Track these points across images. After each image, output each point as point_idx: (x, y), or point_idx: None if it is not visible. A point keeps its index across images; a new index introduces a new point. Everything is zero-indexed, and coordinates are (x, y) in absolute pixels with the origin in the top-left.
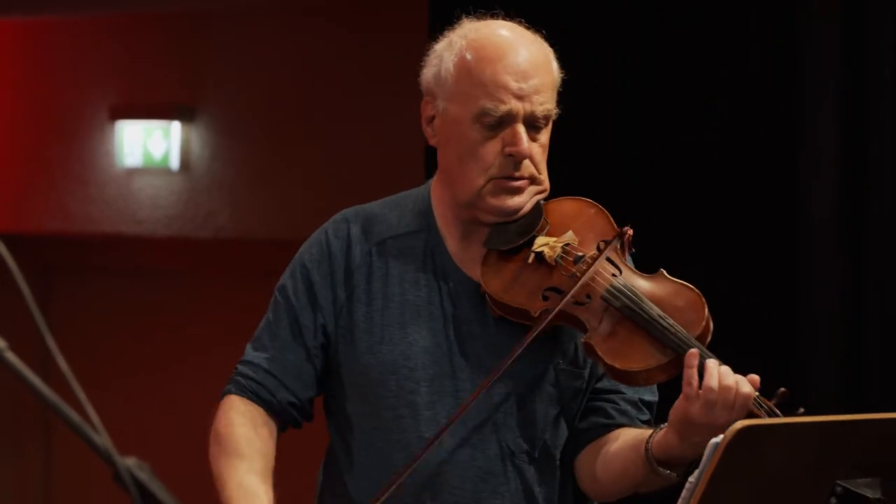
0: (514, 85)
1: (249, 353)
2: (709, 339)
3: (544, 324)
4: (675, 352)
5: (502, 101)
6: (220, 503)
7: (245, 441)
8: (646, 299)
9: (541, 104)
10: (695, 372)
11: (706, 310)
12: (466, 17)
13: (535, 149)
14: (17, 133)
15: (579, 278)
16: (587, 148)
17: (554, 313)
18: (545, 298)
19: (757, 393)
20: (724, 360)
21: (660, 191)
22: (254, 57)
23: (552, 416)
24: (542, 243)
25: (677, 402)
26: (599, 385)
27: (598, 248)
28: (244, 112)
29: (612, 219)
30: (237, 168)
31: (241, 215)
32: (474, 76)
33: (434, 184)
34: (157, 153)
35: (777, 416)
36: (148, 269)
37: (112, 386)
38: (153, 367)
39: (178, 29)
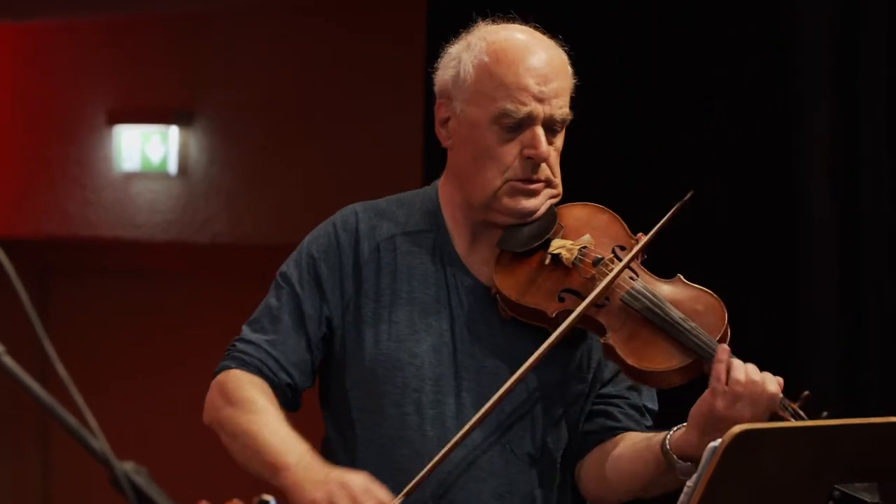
0: (535, 88)
1: (248, 333)
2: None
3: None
4: (697, 354)
5: (523, 104)
6: (246, 457)
7: (264, 399)
8: (666, 302)
9: (559, 108)
10: (724, 367)
11: (726, 315)
12: (482, 20)
13: (552, 152)
14: (15, 137)
15: (598, 280)
16: (585, 147)
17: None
18: (561, 300)
19: (781, 395)
20: None
21: (657, 191)
22: (252, 61)
23: (555, 420)
24: (559, 246)
25: (701, 399)
26: (605, 390)
27: (614, 253)
28: (242, 117)
29: (625, 224)
30: (235, 173)
31: (238, 220)
32: (495, 78)
33: (442, 184)
34: (154, 158)
35: (802, 418)
36: (146, 273)
37: (110, 388)
38: (151, 369)
39: (175, 33)
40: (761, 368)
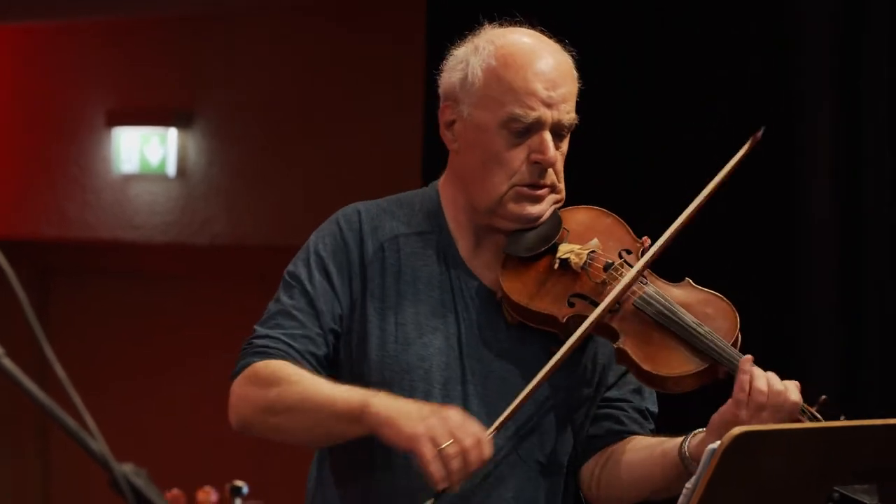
0: (543, 93)
1: (264, 330)
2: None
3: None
4: (712, 359)
5: (532, 108)
6: (311, 423)
7: (304, 371)
8: (679, 307)
9: (567, 112)
10: (748, 378)
11: (738, 319)
12: (488, 23)
13: (558, 157)
14: (14, 138)
15: (608, 285)
16: (587, 147)
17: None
18: (571, 305)
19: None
20: None
21: (659, 191)
22: (250, 63)
23: (562, 424)
24: (567, 250)
25: (723, 408)
26: (609, 393)
27: (621, 257)
28: (241, 119)
29: (629, 228)
30: (234, 174)
31: (237, 221)
32: (504, 82)
33: (443, 186)
34: (153, 159)
35: (820, 421)
36: (145, 274)
37: (109, 389)
38: (150, 370)
39: (174, 34)
40: (762, 368)
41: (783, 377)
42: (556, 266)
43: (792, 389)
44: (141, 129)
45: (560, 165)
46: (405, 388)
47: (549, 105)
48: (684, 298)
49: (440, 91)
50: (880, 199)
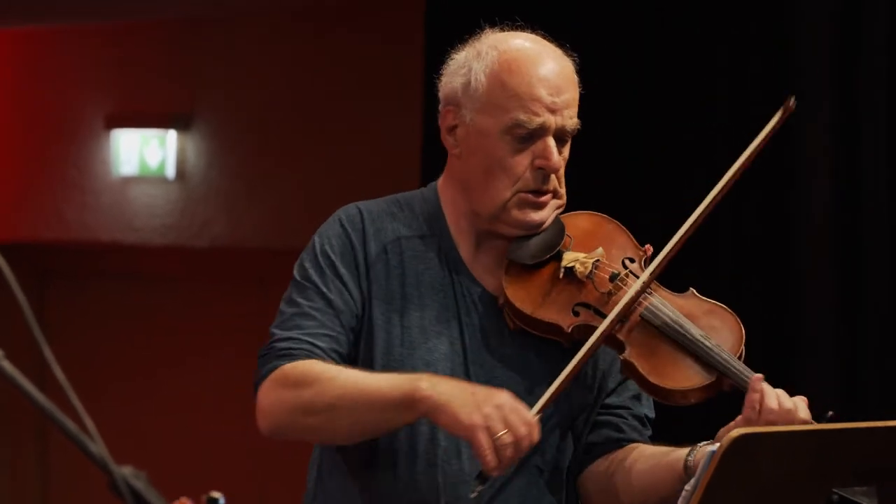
0: (547, 98)
1: (283, 332)
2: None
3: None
4: (719, 372)
5: (536, 114)
6: (356, 416)
7: (336, 366)
8: (685, 319)
9: (570, 118)
10: (759, 396)
11: (743, 331)
12: (489, 27)
13: (561, 162)
14: (13, 140)
15: (614, 295)
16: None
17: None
18: (576, 314)
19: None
20: None
21: (660, 190)
22: (249, 65)
23: (563, 430)
24: (572, 259)
25: (733, 424)
26: (609, 400)
27: (624, 265)
28: (240, 121)
29: (631, 235)
30: (233, 176)
31: (236, 223)
32: (508, 88)
33: (443, 189)
34: (153, 162)
35: None
36: (144, 276)
37: (109, 391)
38: (150, 372)
39: (173, 37)
40: (762, 370)
41: (783, 377)
42: (562, 275)
43: (801, 407)
44: (140, 131)
45: (562, 171)
46: None
47: (553, 111)
48: (689, 309)
49: (441, 95)
50: (879, 199)
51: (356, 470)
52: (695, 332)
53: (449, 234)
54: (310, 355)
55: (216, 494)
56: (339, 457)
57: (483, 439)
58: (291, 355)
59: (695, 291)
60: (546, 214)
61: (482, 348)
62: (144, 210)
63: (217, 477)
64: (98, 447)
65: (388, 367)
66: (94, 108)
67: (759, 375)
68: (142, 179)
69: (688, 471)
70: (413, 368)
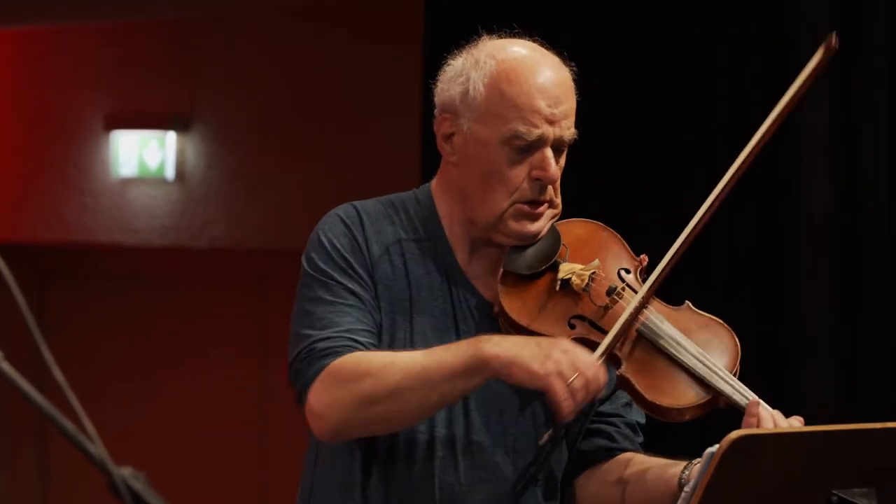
0: (546, 110)
1: (318, 332)
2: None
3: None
4: (715, 391)
5: (535, 126)
6: (424, 392)
7: (386, 352)
8: (682, 335)
9: (568, 128)
10: (756, 420)
11: (739, 347)
12: (487, 34)
13: (558, 173)
14: (13, 141)
15: (611, 309)
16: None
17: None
18: (572, 327)
19: None
20: None
21: (660, 190)
22: (249, 66)
23: (558, 440)
24: (569, 270)
25: None
26: (602, 408)
27: (620, 277)
28: (239, 122)
29: (626, 244)
30: (232, 177)
31: (236, 224)
32: (507, 98)
33: (437, 194)
34: (152, 163)
35: None
36: (143, 278)
37: (108, 392)
38: (149, 373)
39: (173, 38)
40: (762, 372)
41: (783, 378)
42: (558, 287)
43: (797, 427)
44: (139, 132)
45: (559, 181)
46: None
47: (551, 122)
48: (685, 324)
49: (437, 101)
50: (879, 199)
51: (351, 457)
52: (692, 349)
53: (445, 239)
54: (352, 350)
55: None
56: (334, 445)
57: (558, 387)
58: (336, 353)
59: (690, 305)
60: (542, 225)
61: None
62: (144, 211)
63: (217, 477)
64: (97, 448)
65: None
66: (93, 109)
67: (756, 400)
68: (141, 180)
69: (682, 488)
70: None
